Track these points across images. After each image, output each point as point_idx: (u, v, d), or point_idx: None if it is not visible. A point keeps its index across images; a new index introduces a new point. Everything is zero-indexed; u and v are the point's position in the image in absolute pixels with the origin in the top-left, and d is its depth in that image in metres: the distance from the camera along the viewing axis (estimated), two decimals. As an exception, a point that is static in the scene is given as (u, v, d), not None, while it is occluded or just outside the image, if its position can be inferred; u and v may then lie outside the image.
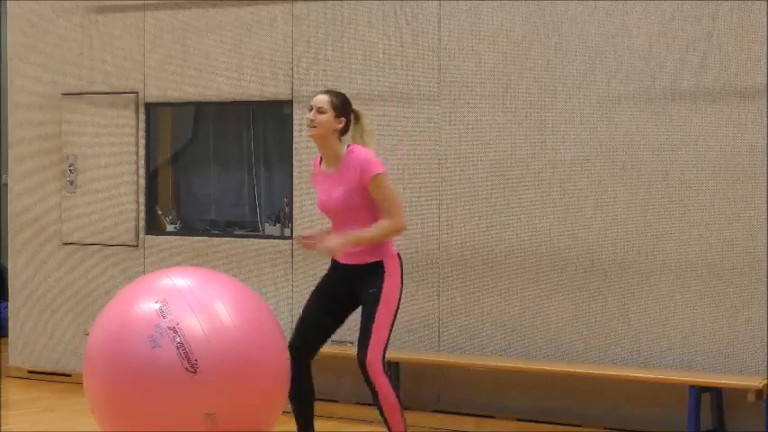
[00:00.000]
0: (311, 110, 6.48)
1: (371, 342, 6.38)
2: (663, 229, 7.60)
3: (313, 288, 6.71)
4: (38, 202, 9.71)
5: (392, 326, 6.46)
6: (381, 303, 6.42)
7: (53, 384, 9.48)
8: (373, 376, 6.37)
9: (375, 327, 6.39)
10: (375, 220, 6.44)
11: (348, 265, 6.52)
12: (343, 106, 6.50)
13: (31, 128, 9.72)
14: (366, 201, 6.43)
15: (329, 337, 6.66)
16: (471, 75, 8.11)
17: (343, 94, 6.58)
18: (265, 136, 9.26)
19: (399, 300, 6.50)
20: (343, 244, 6.39)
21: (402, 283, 6.51)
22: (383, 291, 6.42)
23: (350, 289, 6.54)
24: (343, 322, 6.66)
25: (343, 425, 8.15)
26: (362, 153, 6.45)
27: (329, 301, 6.60)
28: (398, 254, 6.56)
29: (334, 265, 6.63)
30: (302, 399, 6.64)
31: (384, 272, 6.44)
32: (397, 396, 6.44)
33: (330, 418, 8.26)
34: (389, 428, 6.47)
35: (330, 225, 6.68)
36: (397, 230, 6.46)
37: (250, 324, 6.35)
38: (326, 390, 8.47)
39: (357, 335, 6.47)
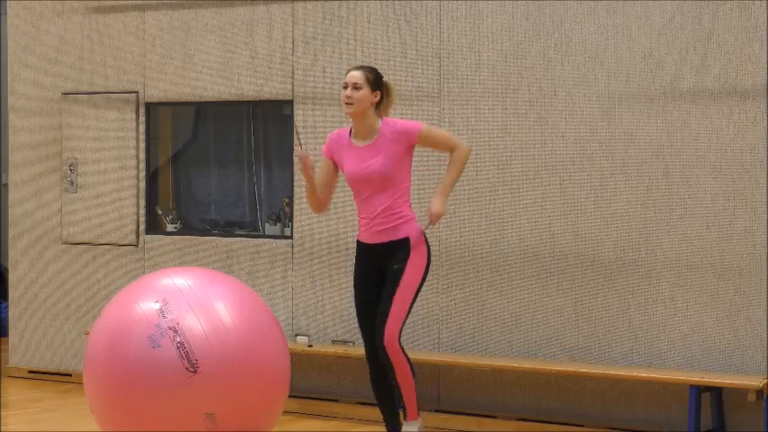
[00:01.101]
0: (346, 87, 6.56)
1: (389, 318, 6.46)
2: (663, 229, 7.60)
3: (354, 291, 6.75)
4: (38, 202, 9.71)
5: (412, 304, 6.54)
6: (403, 281, 6.50)
7: (53, 384, 9.47)
8: (390, 352, 6.46)
9: (394, 303, 6.48)
10: (404, 191, 6.57)
11: (376, 244, 6.58)
12: (376, 80, 6.63)
13: (31, 128, 9.72)
14: (402, 170, 6.56)
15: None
16: (471, 74, 8.11)
17: (375, 68, 6.70)
18: (265, 136, 9.26)
19: (423, 280, 6.58)
20: (442, 200, 6.55)
21: (428, 263, 6.62)
22: (407, 268, 6.51)
23: (381, 268, 6.60)
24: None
25: (344, 425, 8.14)
26: (399, 122, 6.63)
27: (374, 296, 6.63)
28: (425, 235, 6.63)
29: (360, 249, 6.68)
30: (390, 395, 6.69)
31: (410, 247, 6.53)
32: (414, 376, 6.52)
33: (330, 418, 8.26)
34: (405, 409, 6.53)
35: (356, 198, 6.69)
36: (468, 152, 6.66)
37: (250, 324, 6.35)
38: (326, 390, 8.48)
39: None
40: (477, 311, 8.11)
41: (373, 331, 6.60)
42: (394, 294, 6.50)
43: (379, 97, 6.61)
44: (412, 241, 6.55)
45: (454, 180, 6.65)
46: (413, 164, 6.69)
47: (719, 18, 7.41)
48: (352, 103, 6.55)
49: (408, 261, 6.52)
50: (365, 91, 6.57)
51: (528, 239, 7.95)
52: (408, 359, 6.55)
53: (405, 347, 6.58)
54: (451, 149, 6.64)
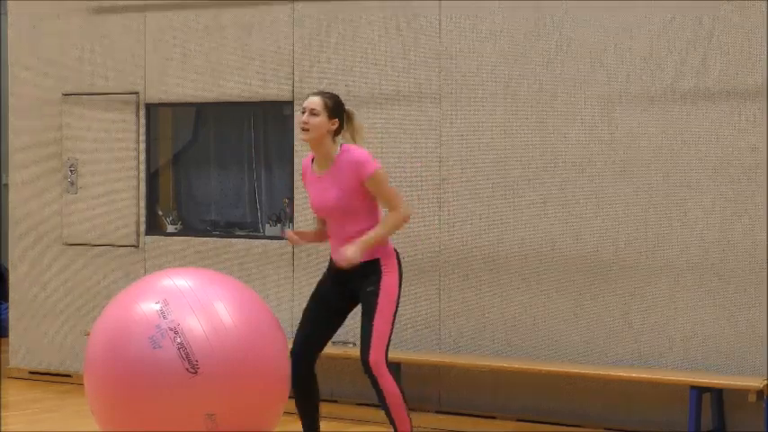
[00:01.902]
0: (304, 112, 6.42)
1: (373, 341, 6.33)
2: (663, 230, 7.60)
3: (312, 291, 6.69)
4: (39, 202, 9.71)
5: (393, 323, 6.41)
6: (380, 302, 6.37)
7: (54, 385, 9.47)
8: (378, 376, 6.34)
9: (375, 326, 6.34)
10: (373, 217, 6.41)
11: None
12: (335, 107, 6.43)
13: (32, 129, 9.72)
14: (361, 201, 6.39)
15: (330, 339, 6.64)
16: (472, 75, 8.11)
17: (336, 95, 6.52)
18: (266, 136, 9.26)
19: (399, 296, 6.45)
20: (358, 251, 6.30)
21: (401, 278, 6.46)
22: (381, 288, 6.37)
23: (348, 289, 6.50)
24: (342, 322, 6.63)
25: (344, 425, 8.14)
26: (356, 153, 6.37)
27: (327, 307, 6.57)
28: (395, 249, 6.51)
29: (331, 266, 6.58)
30: (308, 401, 6.63)
31: (381, 269, 6.40)
32: (403, 394, 6.41)
33: (330, 418, 8.26)
34: (395, 428, 6.45)
35: (318, 225, 6.67)
36: (405, 219, 6.41)
37: (250, 324, 6.35)
38: (326, 390, 8.48)
39: (357, 335, 6.45)
40: (477, 313, 8.11)
41: (307, 342, 6.51)
42: (373, 319, 6.35)
43: (336, 125, 6.41)
44: (382, 261, 6.39)
45: (378, 238, 6.33)
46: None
47: (719, 19, 7.42)
48: (308, 129, 6.37)
49: (381, 283, 6.37)
50: (321, 118, 6.37)
51: (528, 241, 7.95)
52: (395, 379, 6.41)
53: (392, 371, 6.41)
54: (390, 209, 6.38)
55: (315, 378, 6.63)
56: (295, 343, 6.60)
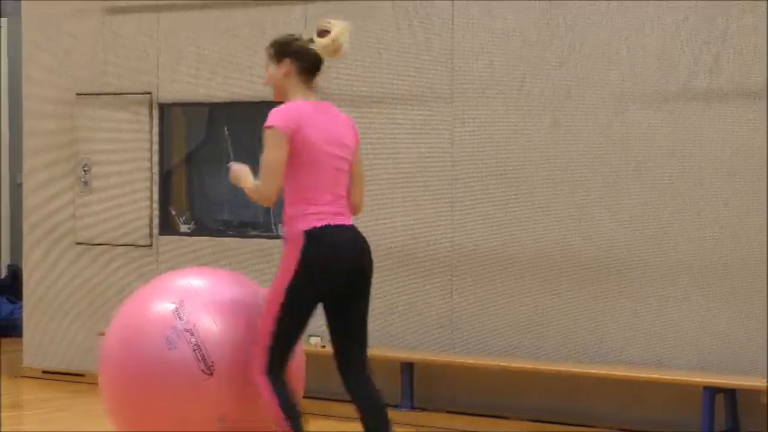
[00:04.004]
0: None
1: (255, 348, 5.61)
2: (676, 230, 7.59)
3: None
4: (52, 202, 9.73)
5: (282, 324, 5.43)
6: (267, 298, 5.56)
7: (67, 384, 9.49)
8: (256, 387, 5.61)
9: (261, 330, 5.57)
10: (290, 186, 5.45)
11: None
12: (280, 48, 5.57)
13: (45, 129, 9.74)
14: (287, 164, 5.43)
15: (340, 343, 5.89)
16: (484, 74, 8.11)
17: (281, 37, 5.68)
18: (278, 136, 9.25)
19: (289, 291, 5.38)
20: (238, 177, 5.57)
21: (299, 269, 5.36)
22: (273, 282, 5.48)
23: None
24: (334, 320, 5.71)
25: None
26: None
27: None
28: (311, 231, 5.35)
29: None
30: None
31: (282, 260, 5.45)
32: (285, 406, 5.56)
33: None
34: None
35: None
36: (260, 197, 5.41)
37: (264, 325, 6.34)
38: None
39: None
40: (488, 313, 8.11)
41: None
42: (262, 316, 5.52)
43: (287, 66, 5.52)
44: (285, 247, 5.43)
45: (244, 184, 5.56)
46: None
47: (732, 18, 7.40)
48: (268, 86, 5.62)
49: (276, 275, 5.44)
50: (270, 68, 5.57)
51: (540, 241, 7.94)
52: (278, 392, 5.51)
53: (279, 382, 5.54)
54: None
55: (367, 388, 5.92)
56: None
